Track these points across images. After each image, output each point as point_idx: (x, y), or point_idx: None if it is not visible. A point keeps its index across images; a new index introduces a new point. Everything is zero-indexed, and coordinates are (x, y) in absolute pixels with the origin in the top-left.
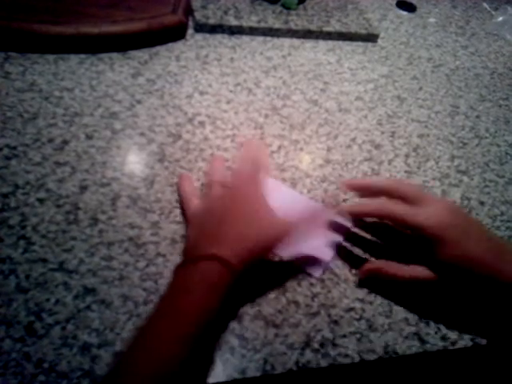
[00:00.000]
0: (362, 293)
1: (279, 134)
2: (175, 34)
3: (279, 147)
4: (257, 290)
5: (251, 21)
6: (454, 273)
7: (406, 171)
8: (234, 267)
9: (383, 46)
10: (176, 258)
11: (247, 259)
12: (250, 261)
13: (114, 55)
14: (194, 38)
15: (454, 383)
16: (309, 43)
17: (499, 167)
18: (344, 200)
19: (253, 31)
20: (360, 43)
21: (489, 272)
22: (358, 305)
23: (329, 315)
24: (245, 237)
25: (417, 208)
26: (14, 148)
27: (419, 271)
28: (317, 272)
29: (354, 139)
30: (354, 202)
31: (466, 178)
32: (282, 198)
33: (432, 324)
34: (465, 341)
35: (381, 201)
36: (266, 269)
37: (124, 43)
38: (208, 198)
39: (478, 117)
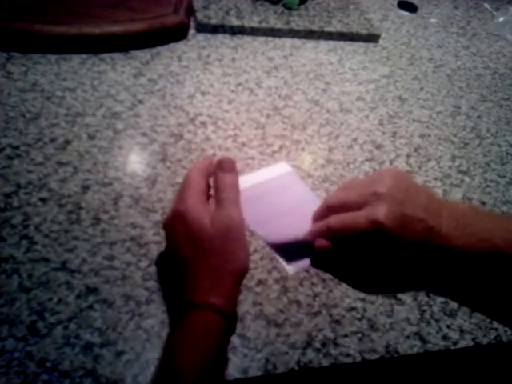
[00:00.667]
0: (363, 292)
1: (281, 134)
2: (177, 34)
3: (281, 147)
4: (257, 290)
5: (253, 21)
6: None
7: (407, 171)
8: (230, 315)
9: (384, 46)
10: None
11: (236, 299)
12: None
13: (116, 55)
14: (195, 38)
15: (456, 383)
16: (310, 43)
17: (500, 167)
18: None
19: (254, 31)
20: (361, 43)
21: (425, 231)
22: (359, 304)
23: (330, 315)
24: (234, 278)
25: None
26: (17, 148)
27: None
28: (291, 268)
29: (355, 139)
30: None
31: (467, 178)
32: (296, 196)
33: (433, 324)
34: (466, 341)
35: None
36: (266, 269)
37: (126, 43)
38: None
39: (479, 117)
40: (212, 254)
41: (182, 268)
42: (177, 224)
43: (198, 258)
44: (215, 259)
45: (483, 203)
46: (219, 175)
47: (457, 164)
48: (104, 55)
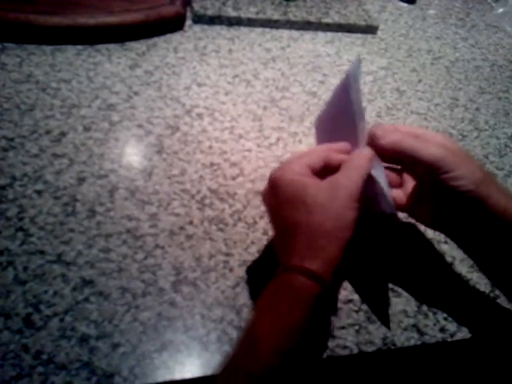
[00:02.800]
0: (360, 284)
1: (278, 126)
2: (173, 25)
3: (278, 139)
4: (255, 282)
5: (250, 12)
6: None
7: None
8: (326, 282)
9: (382, 37)
10: (174, 250)
11: (337, 265)
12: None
13: (112, 46)
14: (192, 30)
15: (453, 375)
16: (308, 35)
17: (498, 159)
18: None
19: (251, 23)
20: (359, 35)
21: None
22: (356, 297)
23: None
24: (337, 240)
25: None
26: (12, 140)
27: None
28: (389, 209)
29: None
30: None
31: None
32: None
33: (431, 316)
34: (463, 333)
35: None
36: (264, 261)
37: (121, 34)
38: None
39: (477, 109)
40: (314, 211)
41: (282, 232)
42: (273, 188)
43: (297, 215)
44: (317, 217)
45: None
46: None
47: None
48: (100, 46)
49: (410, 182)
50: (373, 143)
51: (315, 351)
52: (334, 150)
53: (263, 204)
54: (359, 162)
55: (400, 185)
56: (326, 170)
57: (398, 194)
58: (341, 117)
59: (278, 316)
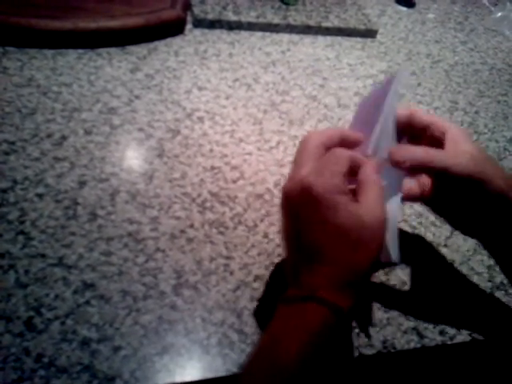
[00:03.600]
0: None
1: (278, 130)
2: (174, 29)
3: (278, 143)
4: (256, 285)
5: (250, 16)
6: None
7: None
8: (343, 309)
9: (382, 41)
10: (175, 254)
11: (355, 289)
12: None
13: (113, 50)
14: (192, 34)
15: (453, 378)
16: (308, 39)
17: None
18: None
19: (251, 26)
20: (359, 39)
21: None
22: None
23: None
24: (352, 263)
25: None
26: (13, 143)
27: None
28: (395, 257)
29: None
30: None
31: None
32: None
33: (430, 319)
34: (463, 335)
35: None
36: (264, 263)
37: (122, 38)
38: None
39: (476, 112)
40: (344, 243)
41: (304, 254)
42: (309, 199)
43: (327, 243)
44: (348, 245)
45: None
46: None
47: None
48: (100, 50)
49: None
50: (398, 167)
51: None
52: (354, 155)
53: (283, 215)
54: (378, 190)
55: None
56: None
57: (411, 183)
58: (372, 114)
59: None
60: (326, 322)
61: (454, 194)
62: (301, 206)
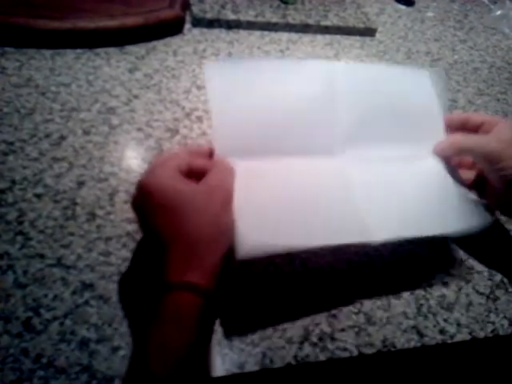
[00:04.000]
0: (359, 287)
1: None
2: (172, 28)
3: None
4: (255, 285)
5: (249, 15)
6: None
7: None
8: (209, 292)
9: (381, 40)
10: None
11: (218, 274)
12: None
13: (111, 50)
14: (191, 33)
15: (453, 376)
16: (307, 37)
17: None
18: None
19: (250, 26)
20: (358, 37)
21: None
22: (356, 298)
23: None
24: (216, 247)
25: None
26: (11, 143)
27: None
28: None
29: None
30: None
31: None
32: None
33: (430, 317)
34: (463, 334)
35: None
36: (262, 261)
37: (121, 38)
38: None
39: (476, 111)
40: (189, 219)
41: (159, 246)
42: (144, 195)
43: (172, 224)
44: (192, 224)
45: None
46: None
47: None
48: (99, 50)
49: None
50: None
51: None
52: (196, 154)
53: (134, 213)
54: (227, 165)
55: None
56: (190, 175)
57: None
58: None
59: (166, 340)
60: (195, 307)
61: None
62: (146, 203)
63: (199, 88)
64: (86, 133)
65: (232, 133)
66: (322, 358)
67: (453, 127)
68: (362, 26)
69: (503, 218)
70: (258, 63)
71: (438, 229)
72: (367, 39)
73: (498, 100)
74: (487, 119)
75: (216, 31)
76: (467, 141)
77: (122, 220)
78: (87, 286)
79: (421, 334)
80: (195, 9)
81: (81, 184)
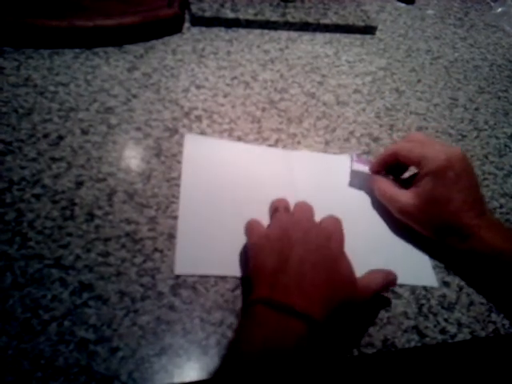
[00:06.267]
0: None
1: (277, 128)
2: (171, 27)
3: (277, 141)
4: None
5: (248, 14)
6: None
7: None
8: (316, 321)
9: (381, 38)
10: (173, 254)
11: (329, 309)
12: (331, 312)
13: (110, 49)
14: (190, 32)
15: (454, 377)
16: (306, 36)
17: (498, 159)
18: None
19: (250, 24)
20: (358, 35)
21: (452, 213)
22: None
23: None
24: (326, 288)
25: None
26: (9, 144)
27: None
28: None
29: (352, 132)
30: None
31: None
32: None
33: (431, 317)
34: (464, 334)
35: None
36: None
37: (119, 37)
38: (279, 222)
39: (476, 109)
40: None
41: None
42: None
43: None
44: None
45: None
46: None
47: None
48: (97, 49)
49: None
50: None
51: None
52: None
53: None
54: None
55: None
56: None
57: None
58: None
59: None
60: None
61: None
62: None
63: (198, 87)
64: (85, 132)
65: (198, 193)
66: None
67: (387, 163)
68: (361, 24)
69: (504, 218)
70: (231, 145)
71: None
72: (367, 37)
73: (499, 98)
74: (415, 159)
75: (215, 30)
76: (386, 192)
77: (121, 220)
78: (86, 287)
79: (421, 334)
80: (194, 7)
81: (79, 184)
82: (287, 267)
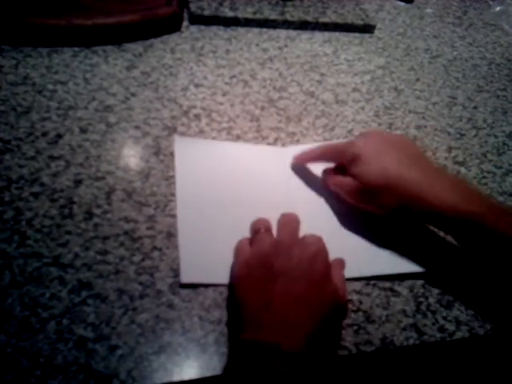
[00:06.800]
0: (359, 285)
1: (276, 127)
2: (170, 25)
3: (276, 139)
4: None
5: (247, 12)
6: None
7: None
8: (303, 356)
9: (380, 36)
10: (172, 252)
11: (316, 338)
12: (318, 339)
13: (108, 48)
14: (189, 30)
15: (452, 374)
16: (305, 34)
17: (497, 158)
18: None
19: (248, 23)
20: (357, 34)
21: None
22: (355, 297)
23: None
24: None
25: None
26: (8, 142)
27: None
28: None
29: (350, 131)
30: None
31: (463, 169)
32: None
33: (429, 315)
34: (462, 332)
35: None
36: None
37: (118, 35)
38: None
39: (475, 107)
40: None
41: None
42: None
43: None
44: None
45: None
46: None
47: (453, 155)
48: (96, 48)
49: None
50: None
51: None
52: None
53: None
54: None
55: None
56: None
57: None
58: None
59: None
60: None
61: None
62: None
63: (197, 86)
64: (83, 131)
65: (193, 197)
66: None
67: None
68: (360, 22)
69: None
70: (222, 145)
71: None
72: (366, 36)
73: (498, 97)
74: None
75: (214, 28)
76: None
77: (120, 218)
78: (84, 285)
79: (420, 332)
80: (193, 6)
81: (78, 182)
82: (271, 304)
